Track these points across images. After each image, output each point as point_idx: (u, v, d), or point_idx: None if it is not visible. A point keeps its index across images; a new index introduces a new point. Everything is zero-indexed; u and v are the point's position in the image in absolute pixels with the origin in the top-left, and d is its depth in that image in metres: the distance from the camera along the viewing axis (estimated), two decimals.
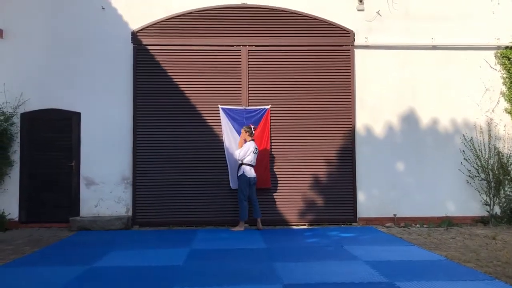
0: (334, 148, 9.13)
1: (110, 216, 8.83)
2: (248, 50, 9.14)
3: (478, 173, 9.16)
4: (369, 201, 9.12)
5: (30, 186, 8.88)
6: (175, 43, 9.08)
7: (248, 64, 9.11)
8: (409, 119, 9.30)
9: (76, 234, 8.18)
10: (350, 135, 9.15)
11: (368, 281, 5.03)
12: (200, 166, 8.94)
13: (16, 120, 8.90)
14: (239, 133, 8.79)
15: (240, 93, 9.08)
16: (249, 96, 9.08)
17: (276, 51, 9.19)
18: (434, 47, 9.39)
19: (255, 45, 9.16)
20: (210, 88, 9.07)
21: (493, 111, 9.39)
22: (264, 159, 8.89)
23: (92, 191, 8.92)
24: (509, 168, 9.17)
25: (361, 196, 9.12)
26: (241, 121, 8.91)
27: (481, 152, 9.24)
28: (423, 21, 9.39)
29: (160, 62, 9.06)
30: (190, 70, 9.08)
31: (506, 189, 9.17)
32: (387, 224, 9.01)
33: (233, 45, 9.15)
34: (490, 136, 9.30)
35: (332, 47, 9.27)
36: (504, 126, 9.37)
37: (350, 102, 9.19)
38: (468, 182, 9.21)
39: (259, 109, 9.02)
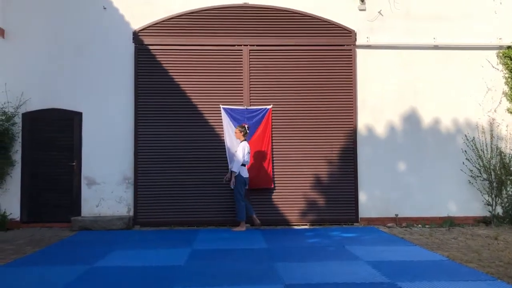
0: (336, 148, 9.11)
1: (112, 216, 8.83)
2: (250, 50, 9.13)
3: (480, 173, 9.14)
4: (370, 201, 9.11)
5: (31, 186, 8.88)
6: (176, 42, 9.08)
7: (250, 64, 9.11)
8: (411, 119, 9.28)
9: (77, 234, 8.18)
10: (352, 135, 9.14)
11: (369, 281, 5.02)
12: (202, 166, 8.94)
13: (18, 120, 8.90)
14: None
15: (242, 93, 9.07)
16: (250, 96, 9.07)
17: (278, 51, 9.18)
18: (436, 47, 9.37)
19: (257, 45, 9.15)
20: (211, 88, 9.07)
21: (495, 111, 9.37)
22: (266, 159, 8.89)
23: (93, 191, 8.93)
24: (511, 168, 9.14)
25: (362, 196, 9.10)
26: (242, 121, 8.89)
27: (483, 152, 9.21)
28: (425, 21, 9.37)
29: (162, 62, 9.06)
30: (191, 70, 9.08)
31: (508, 189, 9.14)
32: (389, 224, 8.99)
33: (234, 45, 9.14)
34: (492, 136, 9.27)
35: (334, 46, 9.25)
36: (506, 126, 9.35)
37: (351, 102, 9.18)
38: (470, 182, 9.18)
39: (261, 109, 9.01)
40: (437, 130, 9.30)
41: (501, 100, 9.39)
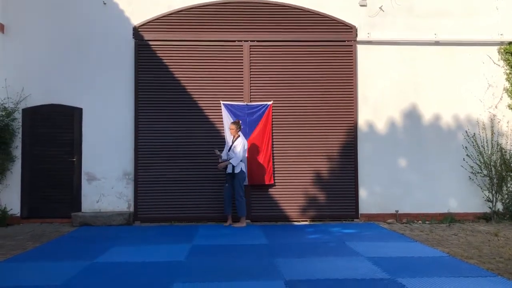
0: (336, 144, 9.11)
1: (112, 211, 8.83)
2: (250, 46, 9.11)
3: (481, 170, 9.13)
4: (371, 197, 9.11)
5: (31, 182, 8.88)
6: (176, 38, 9.06)
7: (250, 60, 9.09)
8: (412, 115, 9.27)
9: (77, 230, 8.18)
10: (352, 131, 9.12)
11: (370, 277, 5.02)
12: (202, 162, 8.93)
13: (18, 115, 8.89)
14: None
15: (242, 88, 9.05)
16: (251, 92, 9.06)
17: (278, 47, 9.16)
18: (437, 43, 9.34)
19: (257, 41, 9.13)
20: (212, 83, 9.05)
21: (496, 107, 9.35)
22: (266, 155, 8.88)
23: (93, 187, 8.93)
24: (511, 165, 9.13)
25: (363, 192, 9.10)
26: (243, 117, 8.89)
27: (484, 148, 9.21)
28: (426, 17, 9.34)
29: (162, 58, 9.04)
30: (191, 65, 9.06)
31: (508, 185, 9.14)
32: (389, 221, 8.99)
33: (235, 41, 9.12)
34: (493, 132, 9.26)
35: (335, 42, 9.23)
36: (507, 122, 9.33)
37: (352, 98, 9.16)
38: (470, 178, 9.18)
39: (261, 105, 8.99)
40: (438, 126, 9.28)
41: (502, 96, 9.37)
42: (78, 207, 8.88)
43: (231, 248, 6.58)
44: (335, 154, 9.09)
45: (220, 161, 8.49)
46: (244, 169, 8.44)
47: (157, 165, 8.91)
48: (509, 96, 9.34)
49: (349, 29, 9.25)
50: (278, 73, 9.12)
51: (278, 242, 6.98)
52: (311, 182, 9.04)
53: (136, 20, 9.09)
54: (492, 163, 9.11)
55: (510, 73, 9.31)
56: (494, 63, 9.39)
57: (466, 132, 9.26)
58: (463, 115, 9.31)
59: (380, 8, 9.32)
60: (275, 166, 9.02)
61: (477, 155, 9.18)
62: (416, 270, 5.31)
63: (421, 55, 9.32)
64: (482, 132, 9.27)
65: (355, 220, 9.01)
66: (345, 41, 9.25)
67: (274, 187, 9.00)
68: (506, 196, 9.12)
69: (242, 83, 9.06)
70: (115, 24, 9.07)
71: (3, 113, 8.70)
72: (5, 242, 7.14)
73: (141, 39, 9.04)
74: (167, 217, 8.85)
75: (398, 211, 9.07)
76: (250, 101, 9.03)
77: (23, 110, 8.93)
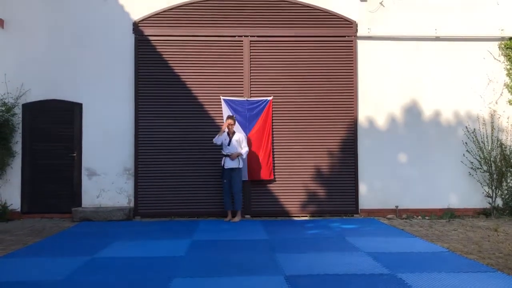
0: (336, 139, 9.10)
1: (112, 207, 8.84)
2: (250, 41, 9.09)
3: (481, 165, 9.14)
4: (371, 192, 9.11)
5: (32, 177, 8.88)
6: (176, 33, 9.04)
7: (250, 55, 9.07)
8: (412, 110, 9.26)
9: (78, 225, 8.20)
10: (352, 127, 9.12)
11: (370, 272, 5.03)
12: (202, 157, 8.94)
13: (18, 110, 8.89)
14: (241, 124, 8.80)
15: (242, 84, 9.04)
16: (251, 87, 9.04)
17: (278, 42, 9.14)
18: (438, 38, 9.32)
19: (257, 36, 9.11)
20: (212, 79, 9.04)
21: (496, 102, 9.34)
22: (267, 151, 8.89)
23: (94, 182, 8.93)
24: (511, 160, 9.13)
25: (363, 188, 9.11)
26: (243, 112, 8.88)
27: (484, 144, 9.21)
28: (426, 12, 9.32)
29: (162, 53, 9.02)
30: (191, 61, 9.05)
31: (508, 181, 9.15)
32: (389, 216, 9.01)
33: (235, 36, 9.10)
34: (493, 128, 9.25)
35: (335, 38, 9.21)
36: (507, 118, 9.33)
37: (352, 94, 9.15)
38: (470, 174, 9.19)
39: (261, 100, 8.99)
40: (438, 122, 9.28)
41: (502, 92, 9.36)
42: (79, 203, 8.89)
43: (231, 243, 6.59)
44: (335, 149, 9.10)
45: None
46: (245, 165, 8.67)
47: (157, 161, 8.91)
48: (509, 91, 9.33)
49: (350, 25, 9.23)
50: (278, 68, 9.11)
51: (278, 237, 7.00)
52: (311, 177, 9.04)
53: (136, 16, 9.07)
54: (492, 159, 9.12)
55: (510, 68, 9.30)
56: (495, 58, 9.37)
57: (466, 127, 9.26)
58: (463, 111, 9.30)
59: (381, 3, 9.29)
60: (275, 161, 9.03)
61: (477, 151, 9.19)
62: (416, 265, 5.32)
63: (422, 50, 9.30)
64: (482, 128, 9.27)
65: (355, 215, 9.03)
66: (345, 36, 9.23)
67: (274, 182, 9.01)
68: (505, 191, 9.13)
69: (242, 78, 9.05)
70: (115, 19, 9.05)
71: (3, 108, 8.70)
72: (5, 237, 7.15)
73: (141, 34, 9.02)
74: (167, 212, 8.86)
75: (398, 206, 9.08)
76: (250, 96, 9.02)
77: (23, 105, 8.92)
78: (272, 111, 9.01)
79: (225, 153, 8.46)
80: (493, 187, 9.07)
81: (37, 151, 8.91)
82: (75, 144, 8.95)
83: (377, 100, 9.22)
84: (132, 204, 8.93)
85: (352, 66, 9.18)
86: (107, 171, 8.94)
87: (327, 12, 9.20)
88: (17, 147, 8.89)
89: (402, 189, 9.14)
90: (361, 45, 9.26)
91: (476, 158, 9.18)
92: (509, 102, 9.34)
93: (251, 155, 8.82)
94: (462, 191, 9.20)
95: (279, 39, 9.14)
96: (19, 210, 8.84)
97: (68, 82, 8.97)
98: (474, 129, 9.25)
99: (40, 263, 5.57)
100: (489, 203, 9.06)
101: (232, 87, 9.03)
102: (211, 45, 9.07)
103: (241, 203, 8.56)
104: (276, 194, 9.00)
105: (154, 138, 8.94)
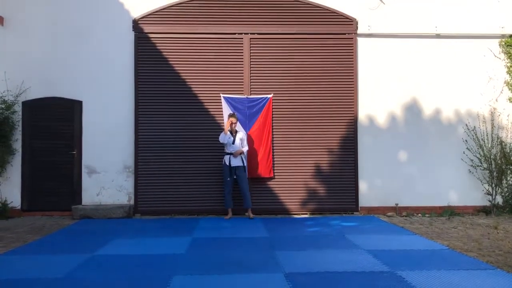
0: (336, 137, 9.10)
1: (112, 204, 8.85)
2: (250, 38, 9.08)
3: (481, 163, 9.14)
4: (371, 190, 9.12)
5: (32, 175, 8.89)
6: (176, 31, 9.03)
7: (250, 53, 9.06)
8: (412, 108, 9.26)
9: (78, 223, 8.20)
10: (353, 124, 9.12)
11: (369, 270, 5.04)
12: (202, 155, 8.94)
13: (18, 108, 8.88)
14: (241, 122, 8.79)
15: (242, 81, 9.04)
16: (251, 85, 9.04)
17: (278, 39, 9.13)
18: (438, 36, 9.31)
19: (257, 33, 9.10)
20: (212, 76, 9.03)
21: (496, 100, 9.34)
22: (267, 149, 8.89)
23: (94, 180, 8.93)
24: (511, 158, 9.13)
25: (363, 186, 9.11)
26: (243, 110, 8.88)
27: (484, 141, 9.20)
28: (427, 10, 9.30)
29: (162, 51, 9.01)
30: (191, 58, 9.04)
31: (508, 178, 9.15)
32: (389, 214, 9.01)
33: (235, 33, 9.08)
34: (493, 126, 9.25)
35: (335, 35, 9.20)
36: (508, 116, 9.32)
37: (352, 91, 9.15)
38: (470, 171, 9.19)
39: (261, 98, 8.98)
40: (438, 119, 9.27)
41: (502, 90, 9.36)
42: (79, 200, 8.90)
43: (231, 241, 6.59)
44: (335, 147, 9.09)
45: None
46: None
47: (157, 158, 8.91)
48: (509, 89, 9.32)
49: (350, 22, 9.21)
50: (278, 66, 9.10)
51: (278, 235, 7.00)
52: (311, 175, 9.04)
53: (136, 13, 9.05)
54: (492, 157, 9.11)
55: (511, 66, 9.29)
56: (495, 56, 9.36)
57: (466, 125, 9.25)
58: (463, 108, 9.30)
59: (381, 0, 9.28)
60: (275, 159, 9.03)
61: (477, 149, 9.18)
62: (416, 263, 5.33)
63: (422, 48, 9.29)
64: (482, 125, 9.26)
65: (355, 213, 9.03)
66: (345, 33, 9.22)
67: (274, 180, 9.01)
68: (505, 189, 9.13)
69: (242, 76, 9.04)
70: (115, 17, 9.04)
71: (3, 106, 8.70)
72: (5, 234, 7.16)
73: (141, 32, 9.01)
74: (167, 210, 8.86)
75: (398, 204, 9.09)
76: (250, 94, 9.01)
77: (23, 103, 8.92)
78: (272, 108, 9.01)
79: (228, 152, 8.46)
80: (493, 185, 9.07)
81: (37, 149, 8.91)
82: (75, 142, 8.95)
83: (377, 97, 9.21)
84: (132, 202, 8.93)
85: (352, 64, 9.17)
86: (107, 169, 8.94)
87: (327, 10, 9.19)
88: (17, 145, 8.89)
89: (402, 186, 9.14)
90: (361, 43, 9.25)
91: (476, 156, 9.17)
92: (509, 99, 9.33)
93: (251, 153, 8.82)
94: (462, 188, 9.20)
95: (279, 36, 9.13)
96: (19, 207, 8.84)
97: (68, 80, 8.97)
98: (474, 126, 9.24)
99: (40, 260, 5.57)
100: (489, 200, 9.07)
101: (232, 85, 9.03)
102: (211, 42, 9.06)
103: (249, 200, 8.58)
104: (276, 191, 9.00)
105: (154, 136, 8.94)
